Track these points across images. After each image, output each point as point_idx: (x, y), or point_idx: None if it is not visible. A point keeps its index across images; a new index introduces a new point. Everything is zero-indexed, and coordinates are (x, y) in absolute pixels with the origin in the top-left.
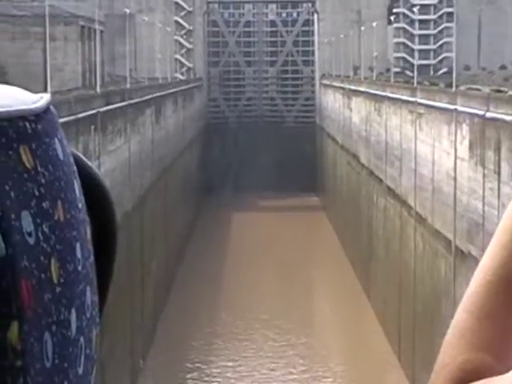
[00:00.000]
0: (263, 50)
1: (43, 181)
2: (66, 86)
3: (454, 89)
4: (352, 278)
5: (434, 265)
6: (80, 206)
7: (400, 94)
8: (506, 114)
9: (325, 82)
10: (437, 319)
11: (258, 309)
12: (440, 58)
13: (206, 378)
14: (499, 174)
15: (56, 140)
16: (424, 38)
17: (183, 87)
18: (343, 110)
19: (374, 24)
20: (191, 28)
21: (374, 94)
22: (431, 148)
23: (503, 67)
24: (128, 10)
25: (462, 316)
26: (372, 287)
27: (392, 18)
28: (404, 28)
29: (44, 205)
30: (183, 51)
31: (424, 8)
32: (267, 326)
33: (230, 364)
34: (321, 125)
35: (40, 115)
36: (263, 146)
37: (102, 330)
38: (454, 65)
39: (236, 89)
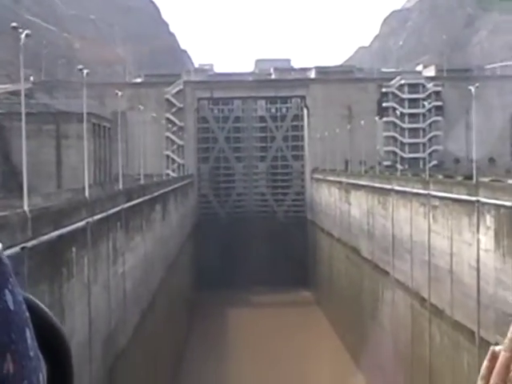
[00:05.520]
0: (253, 146)
1: None
2: (80, 184)
3: (474, 181)
4: (355, 372)
5: (454, 357)
6: (32, 354)
7: (410, 187)
8: None
9: (317, 176)
10: None
11: None
12: (429, 151)
13: None
14: None
15: (7, 291)
16: (413, 132)
17: (180, 183)
18: (340, 203)
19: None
20: (182, 124)
21: (379, 188)
22: (448, 240)
23: (492, 160)
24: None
25: None
26: (379, 382)
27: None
28: (394, 122)
29: None
30: (174, 147)
31: (413, 102)
32: None
33: None
34: (312, 219)
35: None
36: (254, 241)
37: None
38: (473, 156)
39: (226, 184)
